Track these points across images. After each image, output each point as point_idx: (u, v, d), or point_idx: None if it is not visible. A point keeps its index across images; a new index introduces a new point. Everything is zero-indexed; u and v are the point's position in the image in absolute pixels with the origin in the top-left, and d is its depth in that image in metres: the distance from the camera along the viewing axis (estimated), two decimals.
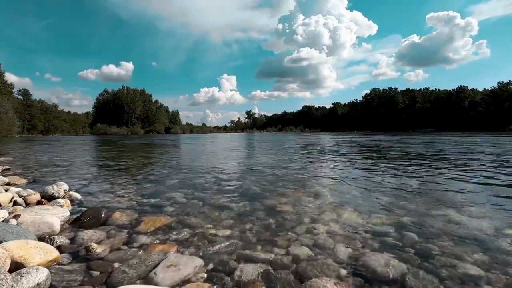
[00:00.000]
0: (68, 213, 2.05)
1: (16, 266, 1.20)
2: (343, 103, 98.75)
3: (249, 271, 1.30)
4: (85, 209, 2.22)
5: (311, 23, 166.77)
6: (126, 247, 1.58)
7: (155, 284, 1.18)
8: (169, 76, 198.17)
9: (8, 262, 1.17)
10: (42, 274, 1.13)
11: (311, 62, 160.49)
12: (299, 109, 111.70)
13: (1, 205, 2.19)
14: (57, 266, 1.33)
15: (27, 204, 2.34)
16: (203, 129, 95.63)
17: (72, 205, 2.43)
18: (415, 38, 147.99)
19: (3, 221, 1.74)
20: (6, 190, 2.62)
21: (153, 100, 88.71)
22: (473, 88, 65.89)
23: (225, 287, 1.20)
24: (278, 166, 5.22)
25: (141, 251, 1.52)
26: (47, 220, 1.75)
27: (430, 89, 76.56)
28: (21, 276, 1.09)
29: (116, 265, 1.35)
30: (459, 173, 4.08)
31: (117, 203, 2.52)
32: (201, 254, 1.48)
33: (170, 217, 2.08)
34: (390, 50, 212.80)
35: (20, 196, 2.44)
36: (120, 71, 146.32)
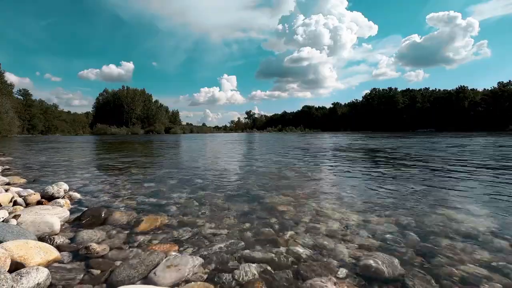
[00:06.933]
0: (68, 213, 2.05)
1: (16, 266, 1.20)
2: (343, 103, 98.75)
3: (249, 271, 1.30)
4: (85, 209, 2.22)
5: (311, 23, 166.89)
6: (126, 247, 1.58)
7: (155, 284, 1.18)
8: (169, 76, 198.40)
9: (8, 262, 1.17)
10: (42, 274, 1.13)
11: (312, 62, 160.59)
12: (299, 109, 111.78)
13: (1, 205, 2.19)
14: (57, 266, 1.33)
15: (27, 204, 2.34)
16: (203, 129, 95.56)
17: (72, 205, 2.43)
18: (415, 38, 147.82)
19: (3, 221, 1.74)
20: (6, 190, 2.62)
21: (153, 100, 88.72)
22: (473, 88, 65.88)
23: (225, 287, 1.20)
24: (278, 166, 5.22)
25: (141, 250, 1.52)
26: (47, 220, 1.75)
27: (430, 89, 76.58)
28: (21, 276, 1.09)
29: (116, 264, 1.35)
30: (459, 173, 4.08)
31: (117, 202, 2.52)
32: (201, 253, 1.48)
33: (170, 217, 2.08)
34: (390, 50, 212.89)
35: (20, 196, 2.44)
36: (120, 71, 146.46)
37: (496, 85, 61.73)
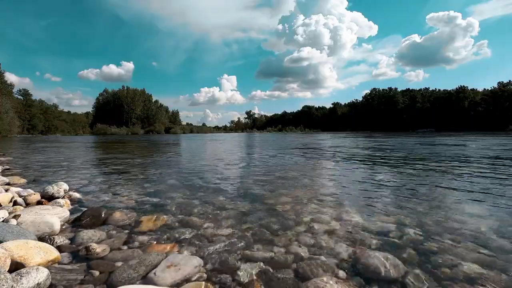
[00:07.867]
0: (68, 213, 2.05)
1: (16, 266, 1.20)
2: (343, 103, 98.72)
3: (249, 271, 1.30)
4: (85, 209, 2.22)
5: (311, 23, 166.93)
6: (126, 247, 1.58)
7: (155, 284, 1.18)
8: (169, 76, 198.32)
9: (8, 262, 1.17)
10: (42, 274, 1.13)
11: (312, 62, 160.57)
12: (299, 109, 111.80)
13: (1, 205, 2.19)
14: (57, 266, 1.33)
15: (27, 204, 2.34)
16: (203, 129, 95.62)
17: (72, 205, 2.43)
18: (415, 38, 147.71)
19: (3, 221, 1.73)
20: (6, 190, 2.62)
21: (153, 100, 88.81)
22: (473, 88, 65.86)
23: (225, 287, 1.20)
24: (278, 166, 5.21)
25: (141, 251, 1.52)
26: (47, 220, 1.75)
27: (430, 89, 76.55)
28: (21, 276, 1.09)
29: (116, 265, 1.35)
30: (459, 173, 4.08)
31: (117, 202, 2.52)
32: (201, 253, 1.48)
33: (170, 217, 2.08)
34: (390, 50, 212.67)
35: (20, 196, 2.44)
36: (121, 71, 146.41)
37: (496, 85, 61.78)
